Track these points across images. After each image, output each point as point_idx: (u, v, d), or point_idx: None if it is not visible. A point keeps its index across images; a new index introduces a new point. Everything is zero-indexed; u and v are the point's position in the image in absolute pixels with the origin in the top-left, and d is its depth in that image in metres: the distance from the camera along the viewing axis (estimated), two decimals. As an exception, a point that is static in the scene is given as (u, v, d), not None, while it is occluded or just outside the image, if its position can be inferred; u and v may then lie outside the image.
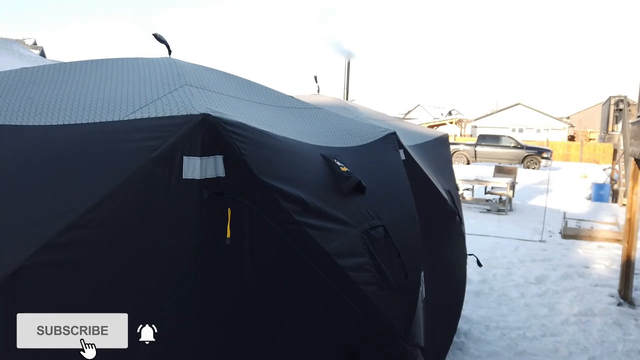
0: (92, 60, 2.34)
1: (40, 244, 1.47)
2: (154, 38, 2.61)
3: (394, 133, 3.00)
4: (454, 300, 3.69)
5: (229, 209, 1.50)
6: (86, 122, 1.66)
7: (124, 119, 1.63)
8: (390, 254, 2.30)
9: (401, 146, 3.06)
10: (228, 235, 1.49)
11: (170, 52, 2.59)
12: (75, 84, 2.06)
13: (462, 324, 4.57)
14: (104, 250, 1.48)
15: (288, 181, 1.74)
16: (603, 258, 7.25)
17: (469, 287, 5.73)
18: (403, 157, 3.03)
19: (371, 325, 2.03)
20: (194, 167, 1.46)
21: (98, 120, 1.65)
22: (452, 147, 24.39)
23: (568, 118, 49.84)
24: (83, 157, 1.59)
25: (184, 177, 1.45)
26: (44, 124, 1.71)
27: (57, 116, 1.76)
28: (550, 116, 45.21)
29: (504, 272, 6.43)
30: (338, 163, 2.23)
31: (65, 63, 2.33)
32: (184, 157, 1.46)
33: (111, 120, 1.64)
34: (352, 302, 1.92)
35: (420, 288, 2.83)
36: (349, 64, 13.72)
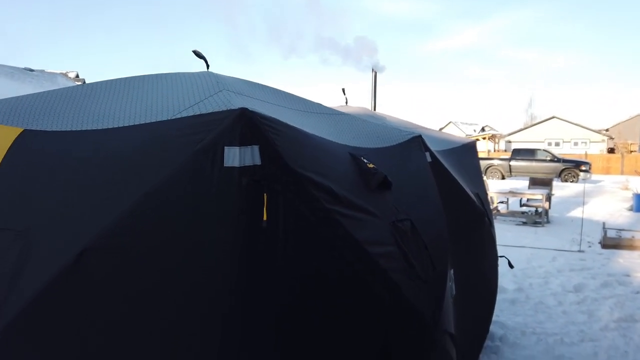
0: (139, 76, 2.60)
1: (101, 232, 1.67)
2: (193, 54, 2.86)
3: (420, 136, 3.13)
4: (485, 301, 3.72)
5: (264, 194, 1.66)
6: (138, 123, 1.88)
7: (172, 118, 1.84)
8: (417, 246, 2.40)
9: (427, 149, 3.17)
10: (264, 218, 1.65)
11: (208, 66, 2.82)
12: (125, 96, 2.29)
13: (497, 330, 4.56)
14: (156, 235, 1.66)
15: (318, 173, 1.90)
16: (645, 267, 7.05)
17: (504, 296, 5.70)
18: (429, 159, 3.14)
19: (400, 314, 2.13)
20: (234, 156, 1.64)
21: (149, 121, 1.87)
22: (485, 162, 24.20)
23: (607, 130, 48.40)
24: (137, 155, 1.80)
25: (225, 165, 1.64)
26: (102, 128, 1.95)
27: (112, 122, 1.99)
28: (588, 128, 44.08)
29: (541, 281, 6.34)
30: (365, 160, 2.37)
31: (115, 80, 2.59)
32: (225, 147, 1.65)
33: (161, 120, 1.86)
34: (381, 289, 2.04)
35: (450, 283, 2.91)
36: (375, 75, 13.88)
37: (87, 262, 1.65)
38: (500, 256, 4.08)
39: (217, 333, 1.69)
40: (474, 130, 52.27)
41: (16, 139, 2.11)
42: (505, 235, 9.14)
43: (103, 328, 1.68)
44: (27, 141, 2.07)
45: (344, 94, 4.49)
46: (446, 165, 3.46)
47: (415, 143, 3.06)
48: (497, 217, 11.19)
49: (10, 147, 2.11)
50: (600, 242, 8.59)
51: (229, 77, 2.65)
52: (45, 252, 1.75)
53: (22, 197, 1.92)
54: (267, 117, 1.74)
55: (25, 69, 24.49)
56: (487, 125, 55.16)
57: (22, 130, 2.13)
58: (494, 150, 39.21)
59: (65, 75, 26.42)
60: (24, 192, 1.93)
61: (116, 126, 1.93)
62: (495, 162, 24.14)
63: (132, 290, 1.69)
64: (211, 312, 1.69)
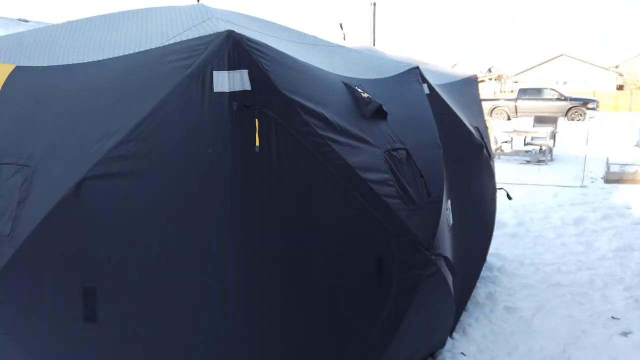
0: (127, 11, 2.56)
1: (98, 159, 1.71)
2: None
3: (417, 67, 3.08)
4: (483, 230, 3.80)
5: (256, 119, 1.67)
6: (128, 53, 1.87)
7: (160, 46, 1.83)
8: (413, 174, 2.43)
9: (425, 81, 3.13)
10: (257, 143, 1.67)
11: (199, -1, 2.76)
12: (115, 30, 2.27)
13: (496, 261, 4.67)
14: (151, 160, 1.70)
15: (310, 100, 1.90)
16: (646, 199, 7.09)
17: (504, 230, 5.80)
18: (427, 91, 3.11)
19: (394, 235, 2.19)
20: (223, 81, 1.64)
21: (138, 50, 1.86)
22: (490, 103, 23.77)
23: (617, 67, 47.20)
24: (129, 82, 1.80)
25: (215, 91, 1.64)
26: (93, 60, 1.94)
27: (103, 54, 1.99)
28: (597, 66, 43.03)
29: (542, 215, 6.42)
30: (359, 90, 2.35)
31: (104, 15, 2.55)
32: (214, 71, 1.64)
33: (149, 48, 1.85)
34: (375, 212, 2.08)
35: (447, 212, 2.96)
36: (374, 7, 13.47)
37: (86, 190, 1.70)
38: (499, 188, 4.12)
39: (215, 251, 1.76)
40: (480, 72, 51.11)
41: (9, 76, 2.11)
42: (509, 174, 9.16)
43: (104, 253, 1.75)
44: (19, 77, 2.07)
45: (342, 29, 4.39)
46: (445, 97, 3.43)
47: (412, 74, 3.02)
48: (501, 156, 11.17)
49: (3, 84, 2.12)
50: (603, 178, 8.61)
51: (220, 9, 2.60)
52: (46, 183, 1.80)
53: (21, 132, 1.95)
54: (256, 41, 1.73)
55: (20, 19, 23.94)
56: (493, 66, 53.88)
57: (13, 67, 2.13)
58: (500, 92, 38.54)
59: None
60: (22, 127, 1.96)
61: (106, 58, 1.93)
62: (501, 102, 23.75)
63: (131, 215, 1.74)
64: (210, 234, 1.75)
